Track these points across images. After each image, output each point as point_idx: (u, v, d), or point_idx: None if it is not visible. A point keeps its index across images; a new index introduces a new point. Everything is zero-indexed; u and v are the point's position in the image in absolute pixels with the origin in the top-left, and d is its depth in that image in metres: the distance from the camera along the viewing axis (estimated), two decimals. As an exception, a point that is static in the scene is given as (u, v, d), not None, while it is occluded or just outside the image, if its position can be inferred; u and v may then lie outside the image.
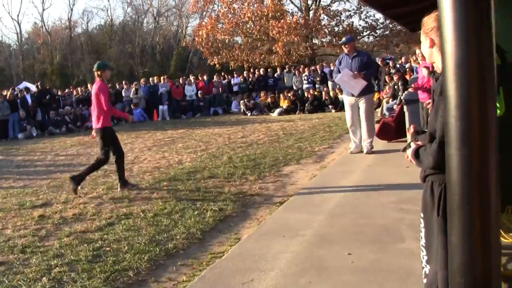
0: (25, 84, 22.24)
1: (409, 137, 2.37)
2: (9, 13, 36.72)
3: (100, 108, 6.33)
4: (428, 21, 2.09)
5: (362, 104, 7.61)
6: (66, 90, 21.66)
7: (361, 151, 7.72)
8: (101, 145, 6.42)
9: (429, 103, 6.40)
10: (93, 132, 6.60)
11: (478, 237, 1.38)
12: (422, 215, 2.19)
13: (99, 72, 6.45)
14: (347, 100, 7.77)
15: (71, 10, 39.64)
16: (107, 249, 4.21)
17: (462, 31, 1.32)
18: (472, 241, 1.38)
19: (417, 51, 7.57)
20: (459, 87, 1.34)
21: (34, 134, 15.64)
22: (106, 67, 6.66)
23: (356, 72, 7.40)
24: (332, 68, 14.90)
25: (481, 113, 1.34)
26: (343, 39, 8.14)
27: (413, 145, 2.18)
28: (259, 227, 4.50)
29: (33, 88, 18.91)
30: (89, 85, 21.88)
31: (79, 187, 6.43)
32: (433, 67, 2.53)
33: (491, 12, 1.33)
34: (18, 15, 38.67)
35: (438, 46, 2.04)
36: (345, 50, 7.72)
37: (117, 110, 7.44)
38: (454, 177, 1.39)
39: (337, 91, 16.58)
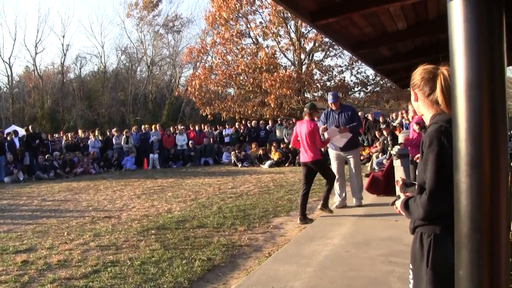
0: (13, 127, 22.08)
1: (398, 190, 2.39)
2: (0, 55, 36.73)
3: (313, 144, 6.85)
4: (414, 76, 2.20)
5: (351, 159, 7.75)
6: (56, 135, 21.59)
7: (345, 206, 7.74)
8: (322, 172, 7.12)
9: (418, 157, 6.51)
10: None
11: (487, 270, 1.29)
12: (411, 266, 2.19)
13: (310, 112, 6.92)
14: (333, 154, 7.85)
15: (65, 55, 39.49)
16: (92, 297, 4.10)
17: (472, 47, 1.28)
18: (481, 274, 1.30)
19: (409, 107, 7.75)
20: (470, 107, 1.28)
21: (21, 178, 15.41)
22: (316, 108, 7.32)
23: (342, 127, 7.49)
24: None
25: (492, 136, 1.27)
26: (330, 97, 7.94)
27: (402, 196, 2.21)
28: (248, 278, 4.44)
29: (21, 131, 18.76)
30: (79, 131, 21.98)
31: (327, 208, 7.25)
32: (423, 121, 2.61)
33: (503, 27, 1.30)
34: (9, 58, 38.33)
35: (422, 100, 2.17)
36: (333, 107, 7.74)
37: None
38: (463, 205, 1.32)
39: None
